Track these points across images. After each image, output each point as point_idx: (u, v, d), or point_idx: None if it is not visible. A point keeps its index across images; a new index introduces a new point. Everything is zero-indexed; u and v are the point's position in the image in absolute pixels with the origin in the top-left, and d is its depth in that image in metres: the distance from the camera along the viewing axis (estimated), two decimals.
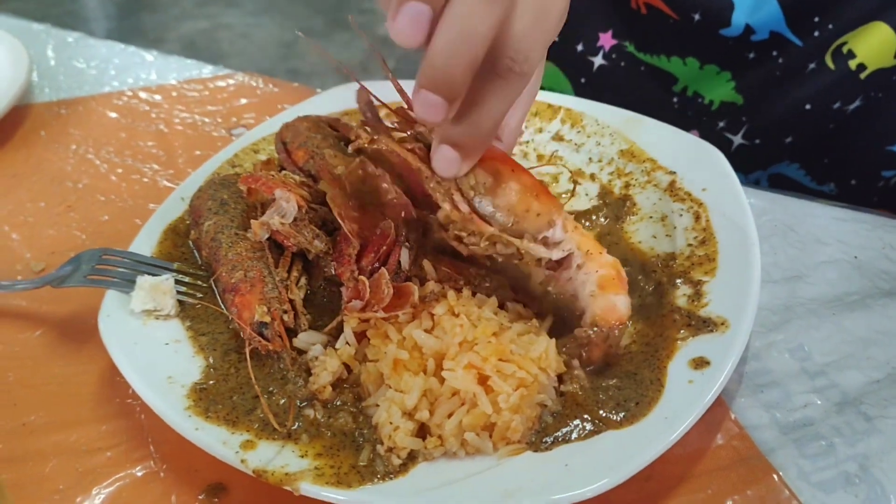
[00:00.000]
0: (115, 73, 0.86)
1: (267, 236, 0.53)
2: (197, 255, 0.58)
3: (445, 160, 0.47)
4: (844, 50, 0.73)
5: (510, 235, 0.49)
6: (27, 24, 0.93)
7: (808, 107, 0.76)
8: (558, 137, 0.68)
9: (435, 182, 0.50)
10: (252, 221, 0.52)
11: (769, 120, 0.79)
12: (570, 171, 0.66)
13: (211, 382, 0.49)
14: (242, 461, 0.44)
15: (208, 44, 3.03)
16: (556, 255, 0.50)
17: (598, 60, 0.85)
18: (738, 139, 0.81)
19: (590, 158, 0.66)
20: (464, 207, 0.49)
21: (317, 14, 3.44)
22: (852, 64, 0.73)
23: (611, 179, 0.64)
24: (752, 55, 0.76)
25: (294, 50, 3.00)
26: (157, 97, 0.82)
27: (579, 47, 0.85)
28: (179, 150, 0.75)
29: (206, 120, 0.78)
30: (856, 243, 0.63)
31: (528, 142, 0.69)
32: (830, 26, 0.72)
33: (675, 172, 0.62)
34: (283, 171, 0.58)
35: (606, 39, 0.83)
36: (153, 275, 0.54)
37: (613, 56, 0.83)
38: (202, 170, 0.65)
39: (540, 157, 0.68)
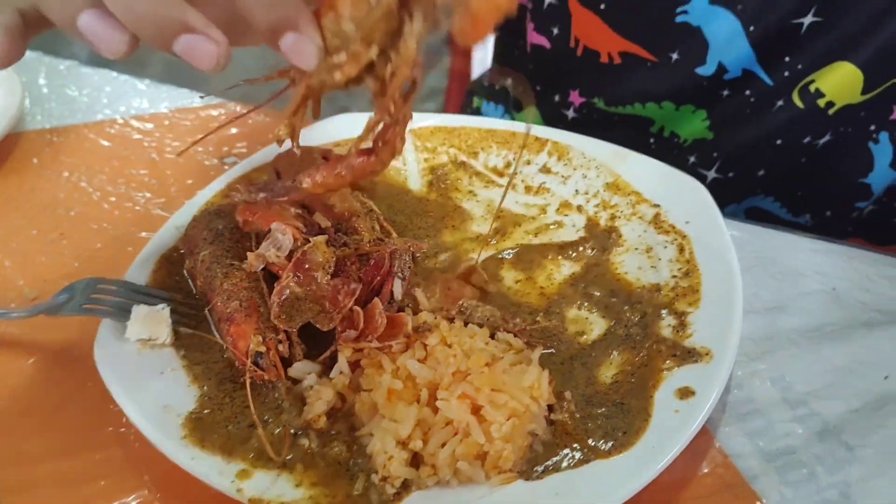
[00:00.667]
0: (108, 102, 0.87)
1: (262, 267, 0.54)
2: (192, 284, 0.59)
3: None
4: (812, 88, 0.75)
5: None
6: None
7: (778, 142, 0.78)
8: (546, 169, 0.70)
9: None
10: (248, 253, 0.53)
11: (742, 154, 0.81)
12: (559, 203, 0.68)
13: (206, 412, 0.49)
14: (239, 490, 0.44)
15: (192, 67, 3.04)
16: None
17: (570, 114, 0.88)
18: (711, 174, 0.83)
19: (576, 190, 0.68)
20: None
21: None
22: (821, 101, 0.75)
23: (597, 211, 0.66)
24: (725, 92, 0.78)
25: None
26: (150, 125, 0.83)
27: (555, 98, 0.87)
28: (171, 178, 0.76)
29: (199, 149, 0.79)
30: (834, 275, 0.65)
31: (516, 173, 0.70)
32: (799, 66, 0.74)
33: (659, 205, 0.64)
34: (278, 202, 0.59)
35: (575, 97, 0.86)
36: (148, 304, 0.54)
37: (584, 111, 0.86)
38: (196, 199, 0.66)
39: (528, 189, 0.69)
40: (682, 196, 0.64)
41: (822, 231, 0.82)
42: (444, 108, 1.30)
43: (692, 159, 0.83)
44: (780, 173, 0.82)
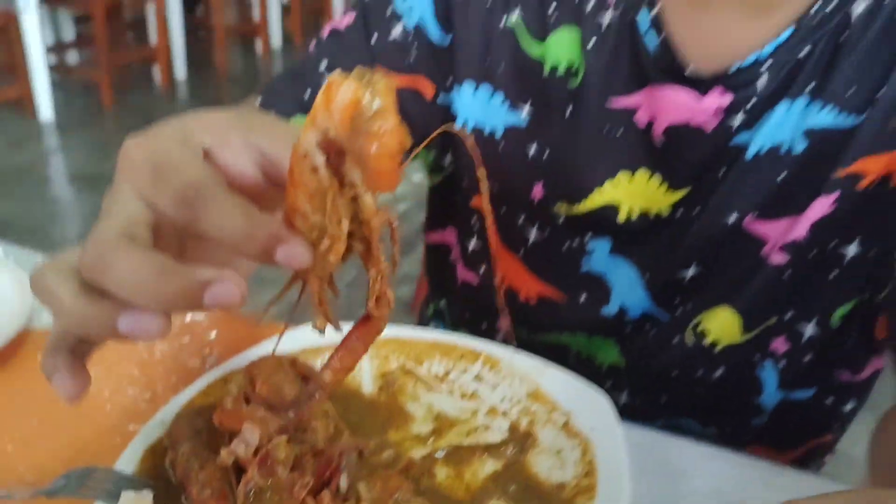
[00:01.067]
0: None
1: (233, 460, 0.65)
2: (171, 474, 0.69)
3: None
4: (699, 328, 0.87)
5: None
6: (28, 254, 1.08)
7: (676, 373, 0.90)
8: (478, 378, 0.83)
9: None
10: (222, 449, 0.64)
11: (649, 382, 0.93)
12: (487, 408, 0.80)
13: None
14: None
15: None
16: None
17: (498, 338, 1.02)
18: (623, 397, 0.95)
19: (503, 397, 0.81)
20: None
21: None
22: (707, 341, 0.87)
23: (519, 417, 0.78)
24: (629, 328, 0.91)
25: (274, 285, 3.21)
26: None
27: (483, 325, 1.02)
28: (158, 376, 0.88)
29: (182, 350, 0.91)
30: (722, 476, 0.76)
31: (454, 381, 0.83)
32: (689, 306, 0.87)
33: (569, 412, 0.76)
34: (251, 404, 0.71)
35: (503, 325, 0.99)
36: (135, 490, 0.65)
37: (508, 339, 1.01)
38: (180, 397, 0.77)
39: (463, 395, 0.82)
40: (590, 406, 0.76)
41: (726, 440, 0.94)
42: (416, 293, 1.42)
43: (608, 384, 0.95)
44: (682, 400, 0.93)
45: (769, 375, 0.91)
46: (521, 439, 0.76)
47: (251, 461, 0.65)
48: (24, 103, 4.96)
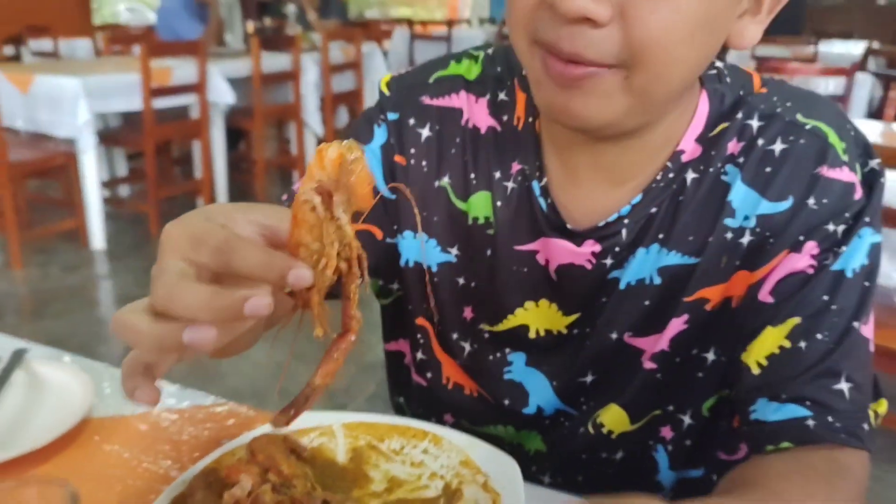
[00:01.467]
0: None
1: (233, 501, 0.91)
2: None
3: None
4: (598, 421, 1.06)
5: None
6: (90, 363, 1.37)
7: (585, 457, 1.09)
8: (425, 451, 1.08)
9: None
10: (225, 493, 0.91)
11: (565, 465, 1.14)
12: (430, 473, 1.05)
13: None
14: None
15: (212, 363, 3.53)
16: None
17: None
18: (547, 478, 1.16)
19: (442, 465, 1.05)
20: None
21: (309, 342, 3.99)
22: (604, 430, 1.06)
23: (451, 478, 1.03)
24: (547, 422, 1.09)
25: (290, 398, 3.48)
26: (175, 416, 1.23)
27: (433, 419, 1.24)
28: (185, 452, 1.14)
29: (205, 433, 1.18)
30: None
31: (406, 453, 1.09)
32: (591, 403, 1.06)
33: (488, 475, 1.01)
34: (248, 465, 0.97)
35: (448, 418, 1.21)
36: None
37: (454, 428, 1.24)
38: (197, 465, 1.04)
39: (413, 464, 1.07)
40: (503, 470, 1.01)
41: None
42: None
43: (534, 467, 1.17)
44: (595, 479, 1.14)
45: (662, 458, 1.11)
46: (451, 495, 1.00)
47: (245, 501, 0.91)
48: (79, 233, 5.39)
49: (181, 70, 5.69)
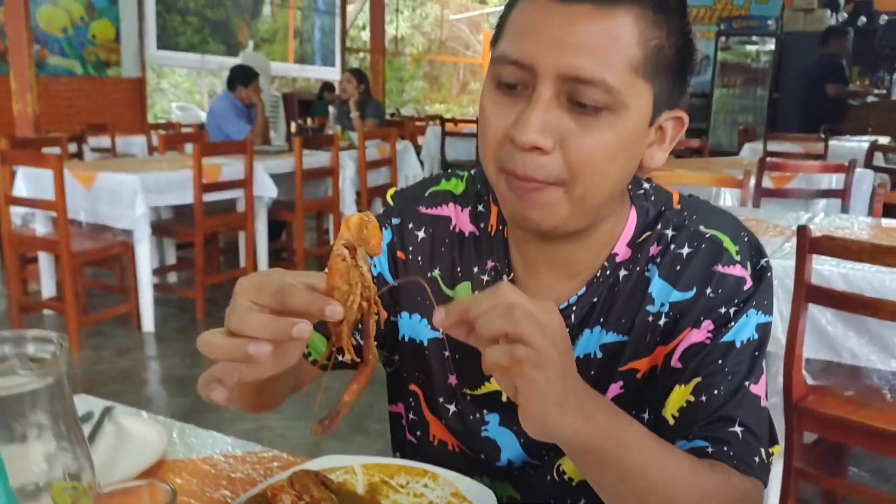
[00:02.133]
0: (217, 449, 1.60)
1: None
2: None
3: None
4: (561, 468, 1.23)
5: None
6: (162, 418, 1.70)
7: (552, 502, 1.24)
8: (426, 485, 1.36)
9: None
10: None
11: None
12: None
13: None
14: None
15: (261, 430, 3.84)
16: None
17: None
18: None
19: (438, 496, 1.34)
20: None
21: (342, 420, 4.27)
22: (566, 477, 1.22)
23: None
24: (517, 473, 1.24)
25: (321, 447, 3.76)
26: (231, 460, 1.54)
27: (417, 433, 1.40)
28: (239, 486, 1.45)
29: (254, 472, 1.49)
30: None
31: (411, 487, 1.38)
32: (552, 454, 1.21)
33: (472, 501, 1.30)
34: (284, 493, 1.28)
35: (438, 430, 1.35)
36: None
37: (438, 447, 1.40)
38: (251, 491, 1.34)
39: (415, 495, 1.36)
40: (483, 498, 1.29)
41: None
42: None
43: None
44: None
45: None
46: None
47: None
48: (131, 318, 5.78)
49: (230, 167, 6.18)
